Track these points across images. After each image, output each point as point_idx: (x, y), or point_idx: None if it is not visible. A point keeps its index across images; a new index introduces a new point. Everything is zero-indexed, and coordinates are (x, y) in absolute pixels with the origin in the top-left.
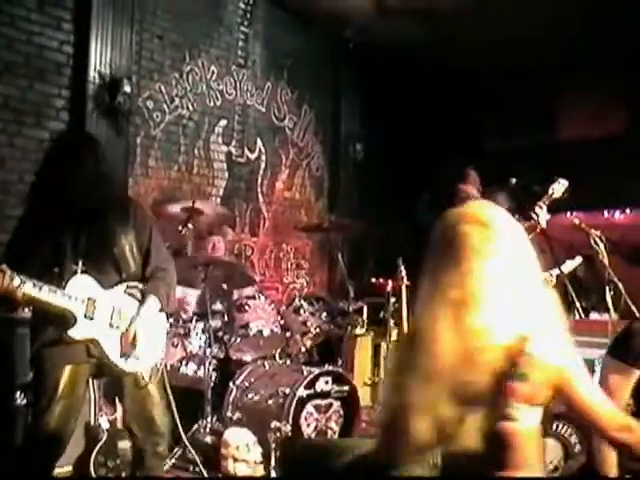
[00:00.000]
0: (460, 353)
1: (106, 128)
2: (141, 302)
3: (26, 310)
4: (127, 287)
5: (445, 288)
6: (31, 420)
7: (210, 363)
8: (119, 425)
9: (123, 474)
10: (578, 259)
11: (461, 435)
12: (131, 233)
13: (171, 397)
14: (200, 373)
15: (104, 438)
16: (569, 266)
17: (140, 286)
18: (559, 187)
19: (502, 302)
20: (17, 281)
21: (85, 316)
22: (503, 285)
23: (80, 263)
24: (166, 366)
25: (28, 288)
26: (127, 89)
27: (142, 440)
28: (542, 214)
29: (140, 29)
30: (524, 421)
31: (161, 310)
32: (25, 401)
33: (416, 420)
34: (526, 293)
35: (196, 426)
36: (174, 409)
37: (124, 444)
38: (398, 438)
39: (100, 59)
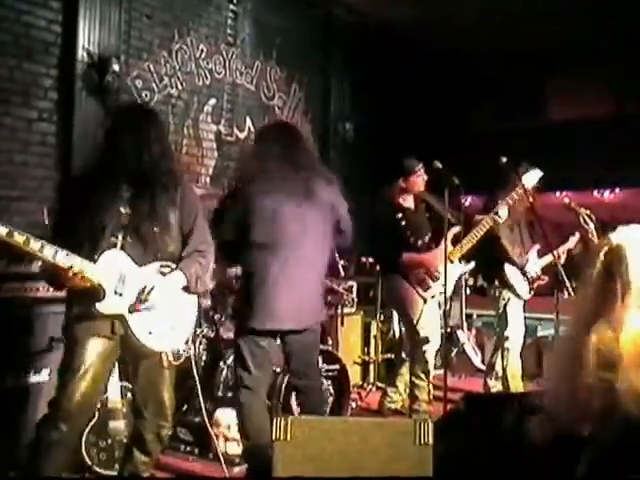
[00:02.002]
0: None
1: (95, 107)
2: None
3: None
4: (161, 266)
5: None
6: (56, 391)
7: (200, 342)
8: (109, 405)
9: (115, 453)
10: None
11: None
12: (176, 213)
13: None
14: (190, 352)
15: (95, 418)
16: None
17: (173, 266)
18: (532, 177)
19: None
20: (50, 250)
21: (115, 292)
22: None
23: (120, 237)
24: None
25: (60, 258)
26: (116, 68)
27: (148, 422)
28: (504, 213)
29: (129, 8)
30: None
31: (188, 290)
32: (38, 378)
33: None
34: None
35: (186, 406)
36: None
37: (115, 424)
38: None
39: (88, 38)
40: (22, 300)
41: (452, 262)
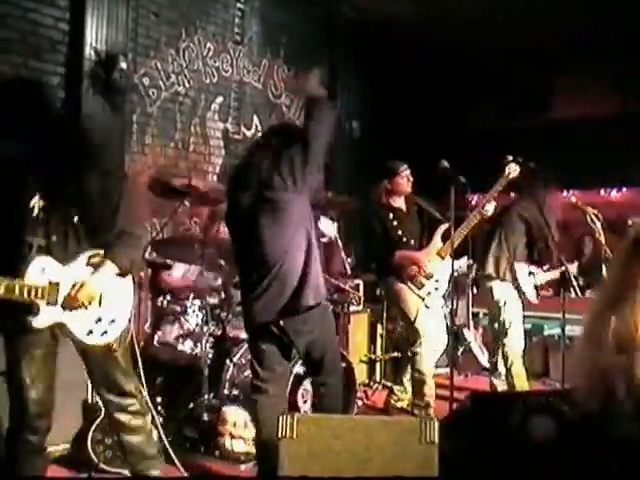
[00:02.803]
0: None
1: (102, 105)
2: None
3: None
4: (89, 257)
5: None
6: (10, 407)
7: (207, 340)
8: None
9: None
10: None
11: None
12: (98, 194)
13: (140, 364)
14: (197, 350)
15: (101, 415)
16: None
17: (102, 253)
18: (513, 169)
19: None
20: None
21: (48, 303)
22: None
23: (39, 238)
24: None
25: None
26: (123, 66)
27: (113, 404)
28: (490, 207)
29: (136, 5)
30: None
31: (123, 275)
32: None
33: None
34: None
35: (192, 403)
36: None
37: None
38: None
39: (96, 36)
40: None
41: (443, 258)
